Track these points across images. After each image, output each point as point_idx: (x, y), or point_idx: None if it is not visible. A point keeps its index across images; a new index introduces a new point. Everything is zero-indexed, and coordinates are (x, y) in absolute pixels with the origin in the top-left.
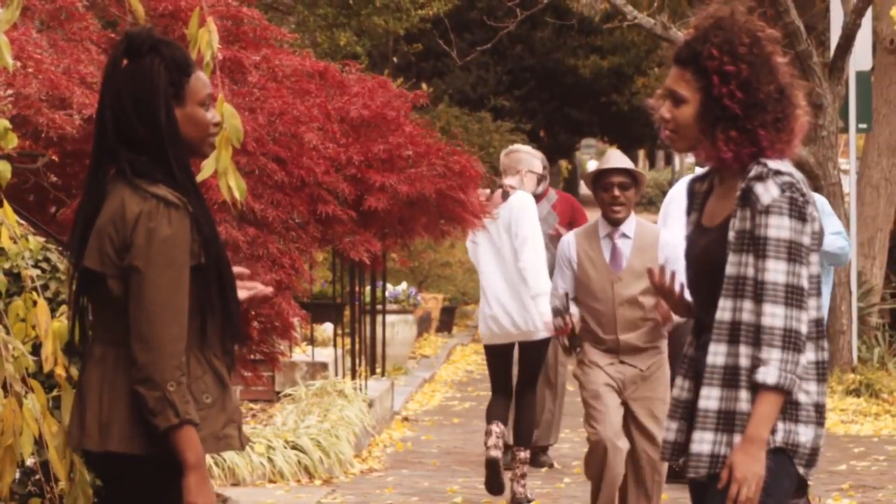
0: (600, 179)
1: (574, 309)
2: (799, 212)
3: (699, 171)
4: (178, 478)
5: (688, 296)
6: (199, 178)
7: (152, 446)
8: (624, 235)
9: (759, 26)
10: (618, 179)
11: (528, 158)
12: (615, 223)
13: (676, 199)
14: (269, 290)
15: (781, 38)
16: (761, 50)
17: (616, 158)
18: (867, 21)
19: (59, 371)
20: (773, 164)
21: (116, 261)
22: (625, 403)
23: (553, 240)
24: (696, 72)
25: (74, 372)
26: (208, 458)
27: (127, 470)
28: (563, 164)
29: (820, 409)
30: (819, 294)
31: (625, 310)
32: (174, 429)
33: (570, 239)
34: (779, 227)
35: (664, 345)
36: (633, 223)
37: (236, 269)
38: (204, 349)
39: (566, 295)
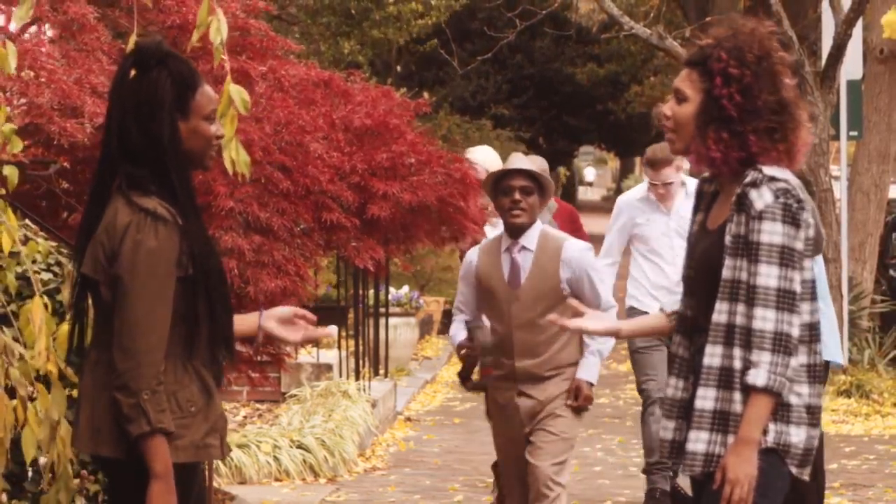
0: (501, 183)
1: (479, 331)
2: (792, 217)
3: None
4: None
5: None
6: None
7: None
8: (524, 248)
9: (774, 46)
10: (519, 183)
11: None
12: (515, 233)
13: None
14: (325, 331)
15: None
16: (770, 64)
17: (519, 160)
18: (858, 31)
19: (51, 367)
20: (769, 170)
21: (107, 268)
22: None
23: None
24: (703, 72)
25: (70, 373)
26: None
27: (118, 474)
28: (562, 170)
29: (812, 410)
30: (814, 298)
31: (523, 333)
32: (145, 436)
33: (472, 253)
34: (771, 233)
35: (574, 373)
36: (535, 234)
37: (281, 311)
38: (192, 358)
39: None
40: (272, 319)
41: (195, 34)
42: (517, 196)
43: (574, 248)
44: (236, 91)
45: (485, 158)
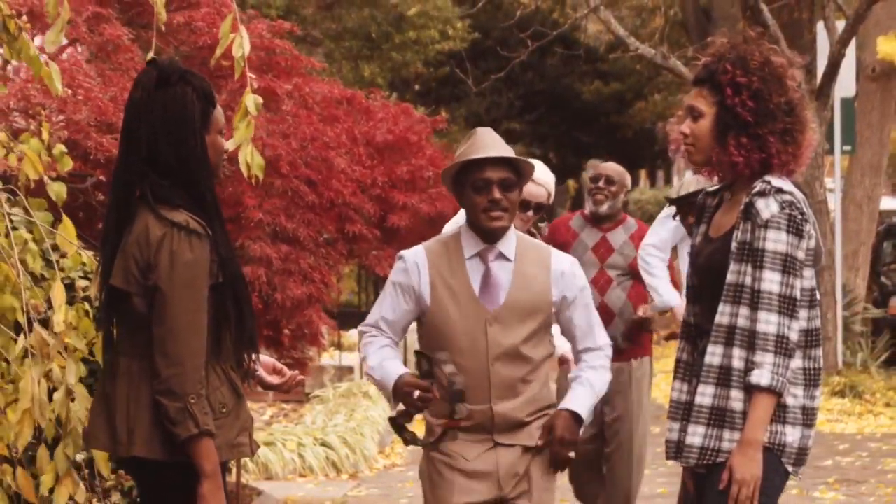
0: (469, 175)
1: (450, 367)
2: (796, 228)
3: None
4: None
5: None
6: (229, 146)
7: (174, 453)
8: (502, 256)
9: (771, 50)
10: (497, 175)
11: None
12: (491, 237)
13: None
14: (296, 373)
15: (787, 64)
16: (772, 67)
17: (492, 145)
18: (851, 51)
19: (70, 341)
20: (777, 182)
21: (141, 280)
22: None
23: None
24: (712, 87)
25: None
26: None
27: (151, 474)
28: (571, 183)
29: (807, 411)
30: (812, 306)
31: (502, 366)
32: (193, 438)
33: (416, 256)
34: (776, 241)
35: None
36: (513, 240)
37: (268, 360)
38: (221, 361)
39: (421, 353)
40: (259, 364)
41: (218, 49)
42: (497, 194)
43: (565, 260)
44: (251, 99)
45: (543, 176)
